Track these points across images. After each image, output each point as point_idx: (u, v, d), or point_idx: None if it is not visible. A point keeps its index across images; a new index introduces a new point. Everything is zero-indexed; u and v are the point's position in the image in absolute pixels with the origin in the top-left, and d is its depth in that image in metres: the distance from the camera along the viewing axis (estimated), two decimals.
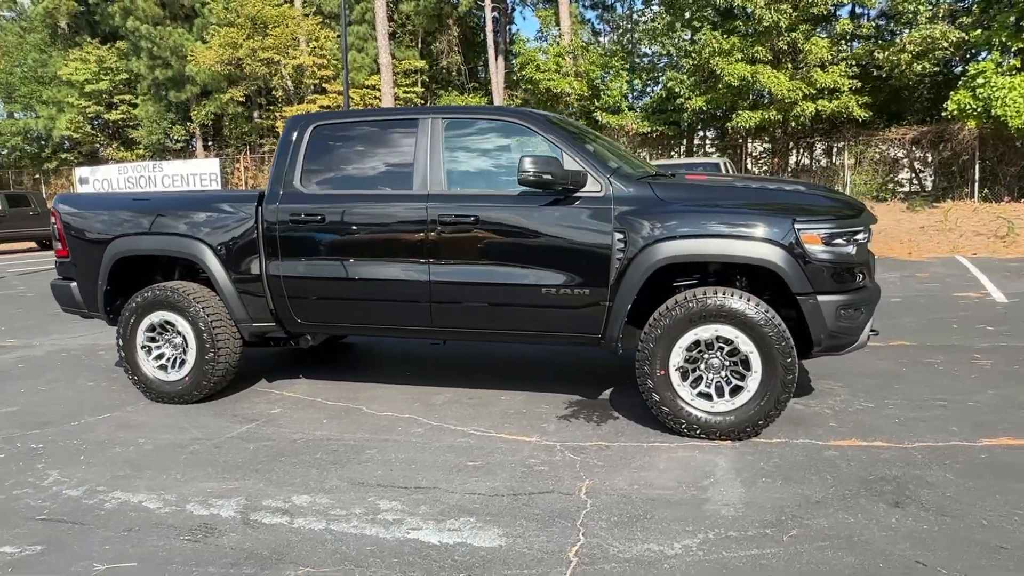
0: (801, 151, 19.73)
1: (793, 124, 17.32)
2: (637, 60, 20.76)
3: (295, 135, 4.59)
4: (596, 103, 20.22)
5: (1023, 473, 3.27)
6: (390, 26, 26.00)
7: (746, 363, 3.74)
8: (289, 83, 26.35)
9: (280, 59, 24.83)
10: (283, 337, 5.00)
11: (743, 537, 2.77)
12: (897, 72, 16.14)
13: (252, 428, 4.27)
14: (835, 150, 18.85)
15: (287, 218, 4.45)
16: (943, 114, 15.34)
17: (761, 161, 20.83)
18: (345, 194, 4.44)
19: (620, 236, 3.89)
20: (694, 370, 3.84)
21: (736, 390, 3.78)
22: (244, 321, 4.66)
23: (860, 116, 16.42)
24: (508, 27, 27.92)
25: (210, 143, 31.70)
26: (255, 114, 28.68)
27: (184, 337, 4.71)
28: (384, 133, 4.49)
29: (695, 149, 21.37)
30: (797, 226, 3.67)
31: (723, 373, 3.80)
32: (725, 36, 16.75)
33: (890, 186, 17.92)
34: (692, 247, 3.77)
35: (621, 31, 21.08)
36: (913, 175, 18.83)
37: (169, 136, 30.81)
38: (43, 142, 33.26)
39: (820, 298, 3.70)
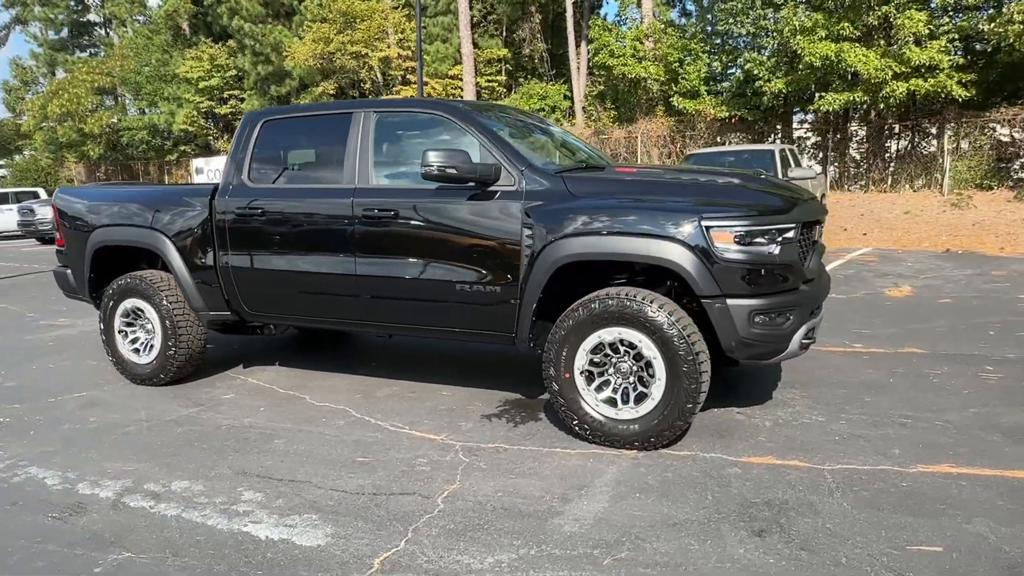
0: (902, 134, 18.11)
1: (882, 106, 15.94)
2: (722, 41, 19.73)
3: (247, 130, 4.72)
4: (675, 88, 19.48)
5: (931, 507, 2.88)
6: (474, 15, 26.20)
7: (650, 369, 3.50)
8: (378, 74, 27.15)
9: (367, 52, 25.61)
10: (252, 325, 5.18)
11: (564, 556, 2.61)
12: (1006, 46, 14.45)
13: (193, 413, 4.46)
14: (940, 133, 17.17)
15: (234, 211, 4.60)
16: None
17: (861, 147, 19.34)
18: (284, 188, 4.54)
19: (528, 232, 3.73)
20: (601, 374, 3.64)
21: (641, 397, 3.55)
22: (202, 309, 4.86)
23: (960, 95, 14.84)
24: (594, 12, 27.40)
25: None
26: None
27: (152, 323, 4.98)
28: (324, 128, 4.53)
29: (788, 134, 20.13)
30: (705, 223, 3.38)
31: (631, 379, 3.58)
32: (808, 13, 15.63)
33: (1001, 173, 16.14)
34: (591, 244, 3.56)
35: (704, 10, 20.07)
36: None
37: None
38: (165, 136, 36.11)
39: (730, 302, 3.40)
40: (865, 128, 18.46)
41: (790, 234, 3.50)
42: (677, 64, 19.24)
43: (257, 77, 30.75)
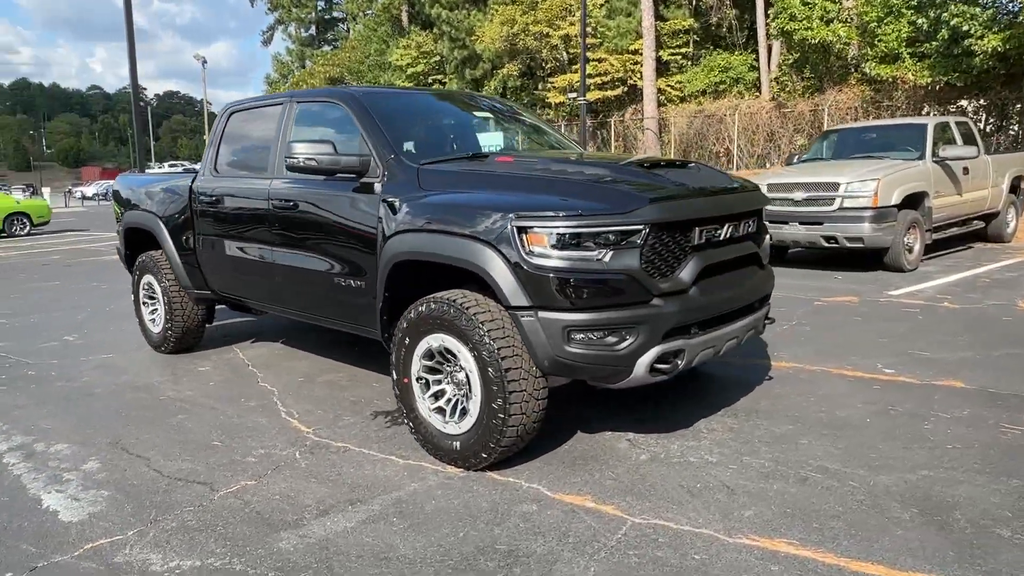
0: None
1: None
2: None
3: (219, 120, 5.04)
4: (870, 52, 16.90)
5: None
6: None
7: (470, 383, 3.17)
8: (563, 53, 27.14)
9: (549, 31, 25.67)
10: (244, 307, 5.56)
11: (239, 573, 2.49)
12: None
13: (159, 381, 4.92)
14: None
15: (201, 198, 4.95)
16: None
17: None
18: (230, 176, 4.78)
19: (381, 227, 3.55)
20: (438, 382, 3.37)
21: (464, 413, 3.23)
22: (189, 288, 5.32)
23: None
24: None
25: None
26: (538, 85, 30.19)
27: (159, 298, 5.57)
28: (266, 118, 4.67)
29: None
30: (517, 223, 2.94)
31: (462, 391, 3.27)
32: None
33: None
34: (415, 242, 3.30)
35: None
36: None
37: None
38: None
39: (542, 314, 2.94)
40: None
41: (635, 238, 2.94)
42: (875, 24, 16.67)
43: (455, 61, 32.36)
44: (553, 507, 2.90)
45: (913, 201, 8.24)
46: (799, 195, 8.26)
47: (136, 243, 5.87)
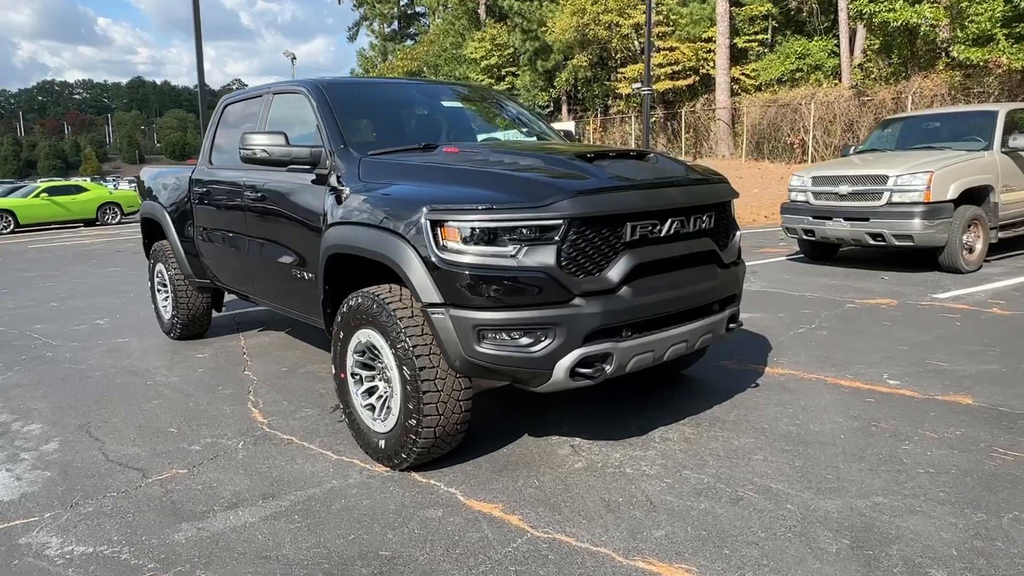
0: None
1: None
2: None
3: (216, 112, 5.15)
4: (960, 34, 15.59)
5: None
6: None
7: (392, 380, 3.08)
8: (634, 42, 26.53)
9: (620, 21, 25.13)
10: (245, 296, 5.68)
11: (119, 562, 2.50)
12: None
13: (154, 367, 5.09)
14: None
15: (196, 189, 5.08)
16: None
17: None
18: (220, 168, 4.86)
19: (324, 219, 3.51)
20: (371, 378, 3.30)
21: (389, 411, 3.15)
22: (191, 276, 5.47)
23: None
24: None
25: (575, 107, 33.92)
26: (609, 76, 29.67)
27: (168, 285, 5.77)
28: (252, 110, 4.72)
29: None
30: (431, 216, 2.82)
31: (390, 388, 3.19)
32: None
33: None
34: (342, 236, 3.23)
35: None
36: None
37: (536, 102, 33.90)
38: None
39: (453, 312, 2.81)
40: None
41: (552, 233, 2.76)
42: (966, 3, 15.37)
43: (527, 53, 32.22)
44: (458, 514, 2.77)
45: (975, 196, 7.52)
46: (844, 188, 7.69)
47: (151, 232, 6.10)
